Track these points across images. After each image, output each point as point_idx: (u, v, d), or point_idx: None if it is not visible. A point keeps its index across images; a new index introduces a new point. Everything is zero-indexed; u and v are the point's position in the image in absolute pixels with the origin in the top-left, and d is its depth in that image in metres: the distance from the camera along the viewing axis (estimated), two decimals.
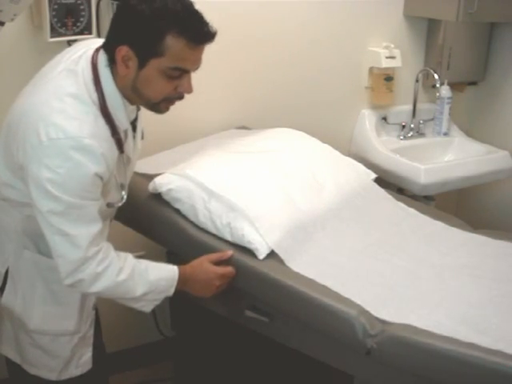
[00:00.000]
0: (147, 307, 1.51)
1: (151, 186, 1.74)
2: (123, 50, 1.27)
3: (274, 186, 1.74)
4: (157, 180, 1.73)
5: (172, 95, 1.34)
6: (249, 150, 1.89)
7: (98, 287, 1.38)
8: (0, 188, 1.43)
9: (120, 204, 1.49)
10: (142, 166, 1.85)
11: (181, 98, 1.36)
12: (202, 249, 1.64)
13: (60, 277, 1.36)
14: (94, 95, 1.32)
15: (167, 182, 1.72)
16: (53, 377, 1.54)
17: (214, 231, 1.64)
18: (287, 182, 1.77)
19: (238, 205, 1.62)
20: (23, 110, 1.32)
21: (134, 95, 1.34)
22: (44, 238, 1.46)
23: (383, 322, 1.41)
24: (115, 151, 1.37)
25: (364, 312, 1.41)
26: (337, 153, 2.05)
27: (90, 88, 1.32)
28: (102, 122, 1.32)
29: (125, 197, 1.49)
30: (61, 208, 1.28)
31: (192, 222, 1.68)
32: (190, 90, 1.35)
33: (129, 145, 1.45)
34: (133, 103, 1.39)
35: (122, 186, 1.47)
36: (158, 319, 2.35)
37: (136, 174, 1.77)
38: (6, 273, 1.48)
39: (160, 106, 1.36)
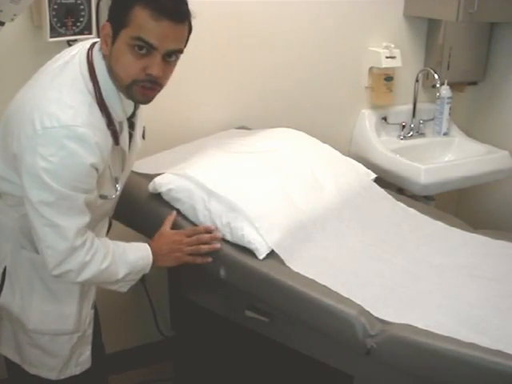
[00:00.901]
0: (124, 287, 1.53)
1: (151, 186, 1.74)
2: (106, 27, 1.31)
3: (273, 185, 1.73)
4: (157, 180, 1.73)
5: (141, 77, 1.30)
6: (249, 150, 1.89)
7: (84, 276, 1.39)
8: (4, 194, 1.42)
9: (113, 196, 1.49)
10: (142, 165, 1.85)
11: (152, 82, 1.31)
12: None
13: (47, 268, 1.37)
14: (90, 85, 1.33)
15: (167, 182, 1.71)
16: (53, 376, 1.54)
17: None
18: (287, 182, 1.77)
19: (238, 205, 1.62)
20: (20, 103, 1.34)
21: (114, 79, 1.33)
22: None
23: (383, 321, 1.41)
24: (110, 142, 1.37)
25: (364, 312, 1.41)
26: (337, 153, 2.05)
27: (87, 78, 1.33)
28: (97, 111, 1.33)
29: (119, 189, 1.49)
30: (52, 198, 1.28)
31: (192, 222, 1.68)
32: (157, 72, 1.29)
33: (124, 138, 1.45)
34: (123, 94, 1.36)
35: (116, 180, 1.47)
36: (157, 319, 2.35)
37: (136, 173, 1.78)
38: (4, 273, 1.48)
39: (133, 90, 1.32)
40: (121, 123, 1.42)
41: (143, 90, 1.33)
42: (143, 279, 2.29)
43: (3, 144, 1.38)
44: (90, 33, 1.86)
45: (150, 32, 1.26)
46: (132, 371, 2.35)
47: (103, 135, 1.33)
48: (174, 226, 1.68)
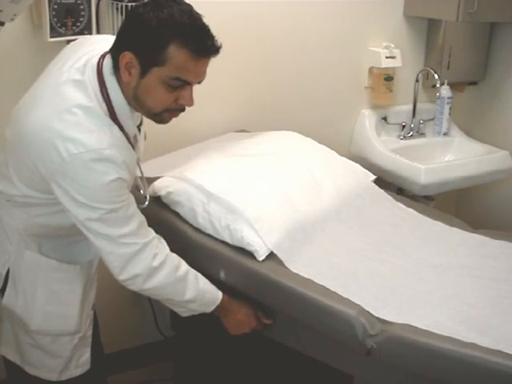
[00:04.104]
0: (185, 313, 1.54)
1: (151, 190, 1.74)
2: (127, 57, 1.27)
3: (272, 187, 1.74)
4: (156, 183, 1.74)
5: (173, 107, 1.33)
6: (247, 153, 1.90)
7: (152, 283, 1.40)
8: (13, 196, 1.42)
9: (144, 206, 1.52)
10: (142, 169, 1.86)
11: (182, 110, 1.35)
12: (201, 251, 1.64)
13: (114, 273, 1.38)
14: (104, 106, 1.31)
15: (166, 185, 1.72)
16: (53, 377, 1.54)
17: (213, 233, 1.65)
18: (286, 184, 1.77)
19: (236, 207, 1.62)
20: (34, 125, 1.29)
21: (136, 104, 1.33)
22: (47, 239, 1.47)
23: (383, 321, 1.41)
24: (134, 156, 1.39)
25: (363, 312, 1.41)
26: (335, 154, 2.05)
27: (100, 98, 1.31)
28: (116, 129, 1.32)
29: (148, 197, 1.52)
30: (97, 215, 1.30)
31: (191, 225, 1.68)
32: (190, 103, 1.33)
33: (139, 148, 1.47)
34: (136, 111, 1.39)
35: (137, 187, 1.49)
36: (157, 319, 2.35)
37: (135, 177, 1.78)
38: (7, 274, 1.48)
39: (162, 116, 1.35)
40: (135, 135, 1.43)
41: (173, 115, 1.36)
42: None
43: (19, 165, 1.36)
44: (90, 33, 1.86)
45: (189, 72, 1.27)
46: (132, 371, 2.35)
47: (127, 151, 1.34)
48: (174, 230, 1.68)
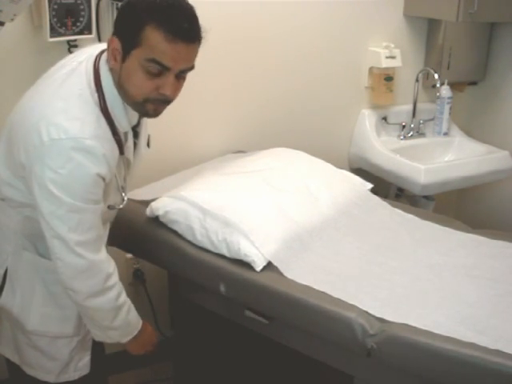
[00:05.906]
0: (99, 338, 1.51)
1: (148, 211, 1.76)
2: (114, 42, 1.28)
3: (267, 200, 1.74)
4: (153, 204, 1.76)
5: (153, 96, 1.29)
6: (243, 170, 1.91)
7: (93, 303, 1.38)
8: (0, 187, 1.42)
9: (121, 206, 1.49)
10: (140, 193, 1.88)
11: (165, 101, 1.31)
12: (200, 266, 1.66)
13: (60, 278, 1.36)
14: (96, 95, 1.31)
15: (163, 205, 1.74)
16: (51, 379, 1.53)
17: (211, 248, 1.66)
18: (281, 197, 1.78)
19: (232, 220, 1.63)
20: (26, 110, 1.32)
21: (122, 93, 1.32)
22: (43, 239, 1.46)
23: (382, 320, 1.41)
24: (117, 152, 1.37)
25: (362, 313, 1.42)
26: (331, 166, 2.04)
27: (93, 88, 1.31)
28: (103, 122, 1.32)
29: (125, 199, 1.49)
30: (62, 211, 1.28)
31: (189, 242, 1.69)
32: (171, 92, 1.29)
33: (129, 148, 1.45)
34: (133, 108, 1.37)
35: (122, 188, 1.47)
36: (158, 319, 2.35)
37: (133, 200, 1.79)
38: (5, 274, 1.48)
39: (145, 107, 1.32)
40: (126, 133, 1.42)
41: (155, 106, 1.32)
42: (143, 279, 2.30)
43: (9, 151, 1.37)
44: (90, 33, 1.86)
45: (164, 54, 1.24)
46: (132, 371, 2.35)
47: (110, 146, 1.33)
48: (173, 248, 1.70)
